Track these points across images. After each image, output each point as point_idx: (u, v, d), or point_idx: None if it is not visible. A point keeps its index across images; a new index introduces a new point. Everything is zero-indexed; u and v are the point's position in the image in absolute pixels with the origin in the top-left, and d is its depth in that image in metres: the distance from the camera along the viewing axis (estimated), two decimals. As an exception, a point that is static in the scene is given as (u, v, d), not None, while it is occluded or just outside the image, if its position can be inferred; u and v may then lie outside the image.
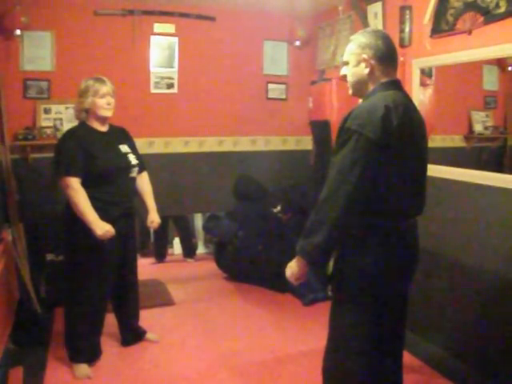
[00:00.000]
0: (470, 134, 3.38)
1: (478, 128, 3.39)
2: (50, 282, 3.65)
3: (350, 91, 1.97)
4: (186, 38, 4.23)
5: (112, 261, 2.85)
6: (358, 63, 1.87)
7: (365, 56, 1.85)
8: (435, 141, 2.99)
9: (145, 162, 3.08)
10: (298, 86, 4.56)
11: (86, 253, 2.74)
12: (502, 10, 2.44)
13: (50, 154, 2.92)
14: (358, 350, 1.85)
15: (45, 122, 3.82)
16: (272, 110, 4.56)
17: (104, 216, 2.66)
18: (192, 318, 3.65)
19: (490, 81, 3.31)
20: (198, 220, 5.52)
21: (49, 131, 3.79)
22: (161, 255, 5.23)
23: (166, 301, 3.94)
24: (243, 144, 4.54)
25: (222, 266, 4.53)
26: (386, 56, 1.86)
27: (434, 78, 3.16)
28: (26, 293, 3.44)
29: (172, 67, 4.23)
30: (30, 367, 2.81)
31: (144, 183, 3.09)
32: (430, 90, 3.15)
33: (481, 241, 2.67)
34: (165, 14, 4.12)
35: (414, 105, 1.92)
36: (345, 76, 1.97)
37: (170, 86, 4.23)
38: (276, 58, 4.58)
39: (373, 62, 1.84)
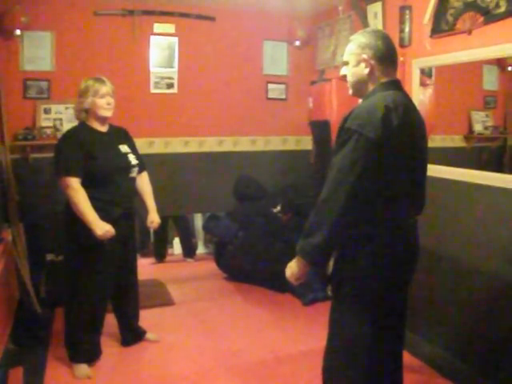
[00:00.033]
0: (469, 134, 3.39)
1: (477, 128, 3.39)
2: (50, 282, 3.66)
3: (350, 91, 1.97)
4: (185, 38, 4.23)
5: (112, 261, 2.85)
6: (358, 63, 1.87)
7: (365, 56, 1.85)
8: (435, 141, 2.99)
9: (145, 162, 3.08)
10: (298, 86, 4.56)
11: (86, 253, 2.74)
12: (502, 9, 2.44)
13: (50, 154, 2.92)
14: (357, 350, 1.85)
15: (45, 122, 3.82)
16: (272, 110, 4.56)
17: (104, 216, 2.66)
18: (192, 318, 3.65)
19: (490, 81, 3.31)
20: (198, 220, 5.52)
21: (49, 131, 3.79)
22: (161, 255, 5.23)
23: (165, 301, 3.94)
24: (243, 144, 4.54)
25: (222, 266, 4.53)
26: (386, 56, 1.86)
27: (433, 77, 3.16)
28: (26, 293, 3.45)
29: (172, 67, 4.23)
30: (30, 367, 2.81)
31: (144, 183, 3.09)
32: (429, 90, 3.15)
33: (481, 241, 2.66)
34: (165, 14, 4.13)
35: (413, 105, 1.92)
36: (345, 76, 1.97)
37: (170, 86, 4.24)
38: (276, 58, 4.58)
39: (373, 62, 1.84)
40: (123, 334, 3.16)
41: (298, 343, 3.21)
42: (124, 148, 2.91)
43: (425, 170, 1.95)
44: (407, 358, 2.64)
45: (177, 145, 4.31)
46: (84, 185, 2.66)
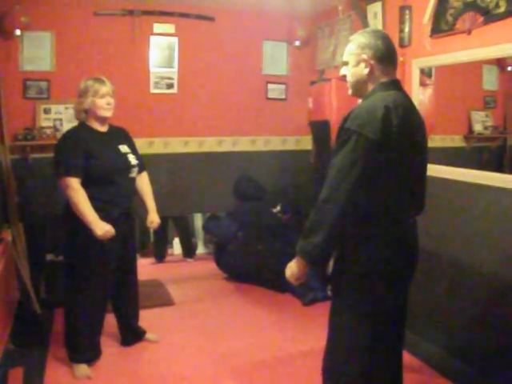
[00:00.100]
0: (469, 134, 3.39)
1: (477, 128, 3.39)
2: (50, 282, 3.65)
3: (350, 91, 1.97)
4: (185, 38, 4.23)
5: (112, 261, 2.85)
6: (358, 63, 1.87)
7: (364, 56, 1.85)
8: (435, 141, 2.99)
9: (144, 162, 3.08)
10: (298, 86, 4.56)
11: (86, 253, 2.74)
12: (502, 9, 2.44)
13: (50, 155, 2.92)
14: (357, 350, 1.85)
15: (44, 122, 3.82)
16: (272, 110, 4.56)
17: (104, 216, 2.66)
18: (192, 318, 3.65)
19: (490, 81, 3.31)
20: (198, 220, 5.52)
21: (48, 131, 3.79)
22: (160, 255, 5.23)
23: (165, 301, 3.94)
24: (243, 144, 4.54)
25: (222, 266, 4.53)
26: (386, 56, 1.86)
27: (433, 77, 3.16)
28: (26, 293, 3.44)
29: (172, 67, 4.23)
30: (30, 367, 2.81)
31: (144, 183, 3.09)
32: (429, 90, 3.15)
33: (481, 241, 2.67)
34: (164, 14, 4.13)
35: (413, 105, 1.92)
36: (344, 76, 1.97)
37: (170, 86, 4.24)
38: (275, 58, 4.58)
39: (372, 62, 1.84)
40: (123, 334, 3.16)
41: (298, 343, 3.21)
42: (124, 148, 2.91)
43: (425, 169, 1.95)
44: (407, 357, 2.65)
45: (177, 145, 4.32)
46: (84, 185, 2.66)
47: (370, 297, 1.82)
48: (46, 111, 3.83)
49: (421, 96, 3.09)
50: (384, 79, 1.86)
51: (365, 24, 3.53)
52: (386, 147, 1.70)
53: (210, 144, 4.43)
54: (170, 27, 4.17)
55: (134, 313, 3.17)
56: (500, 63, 3.16)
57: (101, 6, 3.95)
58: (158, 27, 4.14)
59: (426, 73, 3.13)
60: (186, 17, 4.20)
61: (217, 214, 4.65)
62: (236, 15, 4.33)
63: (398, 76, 1.96)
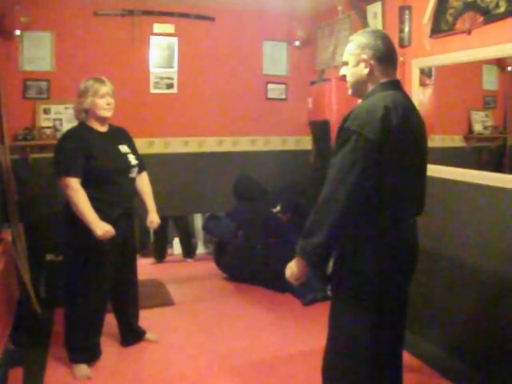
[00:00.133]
0: (469, 134, 3.39)
1: (477, 128, 3.39)
2: (50, 282, 3.65)
3: (350, 91, 1.97)
4: (185, 38, 4.23)
5: (112, 261, 2.85)
6: (358, 63, 1.87)
7: (364, 56, 1.85)
8: (435, 141, 2.99)
9: (144, 163, 3.08)
10: (298, 86, 4.56)
11: (86, 253, 2.74)
12: (502, 9, 2.44)
13: (50, 155, 2.92)
14: (357, 350, 1.85)
15: (44, 122, 3.82)
16: (271, 110, 4.56)
17: (104, 216, 2.66)
18: (192, 318, 3.65)
19: (490, 81, 3.31)
20: (198, 220, 5.52)
21: (48, 131, 3.79)
22: (160, 255, 5.23)
23: (165, 301, 3.94)
24: (243, 144, 4.54)
25: (222, 266, 4.53)
26: (386, 56, 1.86)
27: (433, 77, 3.16)
28: (26, 293, 3.45)
29: (171, 67, 4.23)
30: (30, 367, 2.81)
31: (144, 183, 3.09)
32: (429, 90, 3.15)
33: (481, 241, 2.67)
34: (164, 14, 4.13)
35: (413, 105, 1.92)
36: (344, 76, 1.97)
37: (170, 86, 4.24)
38: (275, 58, 4.58)
39: (372, 62, 1.84)
40: (123, 334, 3.16)
41: (298, 343, 3.21)
42: (124, 148, 2.91)
43: (425, 170, 1.95)
44: (407, 357, 2.65)
45: (177, 145, 4.31)
46: (84, 185, 2.66)
47: (369, 297, 1.82)
48: (46, 111, 3.83)
49: (421, 96, 3.09)
50: (384, 79, 1.86)
51: (365, 24, 3.53)
52: (386, 147, 1.70)
53: (210, 144, 4.43)
54: (169, 27, 4.17)
55: (133, 313, 3.18)
56: (500, 63, 3.16)
57: (101, 6, 3.95)
58: (157, 27, 4.13)
59: (425, 73, 3.13)
60: (186, 17, 4.19)
61: (217, 213, 4.65)
62: (236, 15, 4.33)
63: (398, 76, 1.96)
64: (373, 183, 1.71)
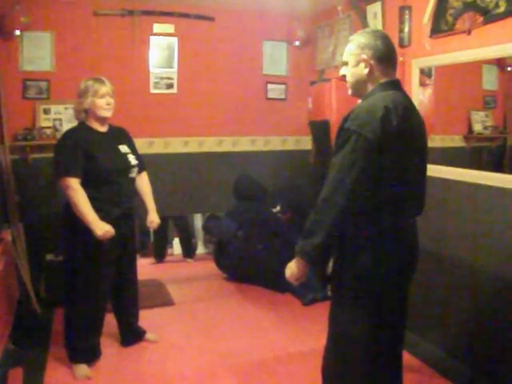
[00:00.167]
0: (469, 134, 3.39)
1: (477, 128, 3.39)
2: (50, 282, 3.65)
3: (350, 91, 1.97)
4: (185, 39, 4.23)
5: (111, 261, 2.85)
6: (358, 63, 1.87)
7: (364, 56, 1.85)
8: (435, 141, 2.99)
9: (144, 163, 3.09)
10: (298, 86, 4.56)
11: (86, 253, 2.74)
12: (502, 9, 2.44)
13: (50, 155, 2.92)
14: (357, 350, 1.85)
15: (44, 122, 3.82)
16: (271, 110, 4.56)
17: (104, 216, 2.66)
18: (192, 318, 3.65)
19: (490, 80, 3.31)
20: (198, 220, 5.52)
21: (48, 131, 3.79)
22: (160, 255, 5.23)
23: (165, 301, 3.94)
24: (243, 144, 4.54)
25: (222, 266, 4.53)
26: (386, 56, 1.86)
27: (433, 77, 3.16)
28: (26, 293, 3.45)
29: (171, 67, 4.23)
30: (30, 367, 2.81)
31: (143, 183, 3.09)
32: (429, 90, 3.15)
33: (481, 241, 2.66)
34: (164, 15, 4.12)
35: (413, 105, 1.92)
36: (344, 76, 1.97)
37: (170, 86, 4.23)
38: (275, 58, 4.58)
39: (372, 62, 1.85)
40: (123, 334, 3.16)
41: (298, 343, 3.21)
42: (124, 148, 2.91)
43: (425, 170, 1.95)
44: (407, 357, 2.65)
45: (177, 145, 4.31)
46: (84, 185, 2.66)
47: (369, 297, 1.83)
48: (46, 111, 3.83)
49: (421, 96, 3.09)
50: (384, 79, 1.86)
51: (364, 24, 3.53)
52: (386, 147, 1.70)
53: (210, 144, 4.43)
54: (169, 27, 4.17)
55: (133, 313, 3.18)
56: (500, 63, 3.16)
57: (100, 6, 3.95)
58: (157, 27, 4.13)
59: (425, 73, 3.13)
60: (186, 17, 4.19)
61: (217, 213, 4.65)
62: (236, 15, 4.32)
63: (398, 76, 1.96)
64: (372, 183, 1.71)
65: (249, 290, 4.21)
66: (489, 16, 2.51)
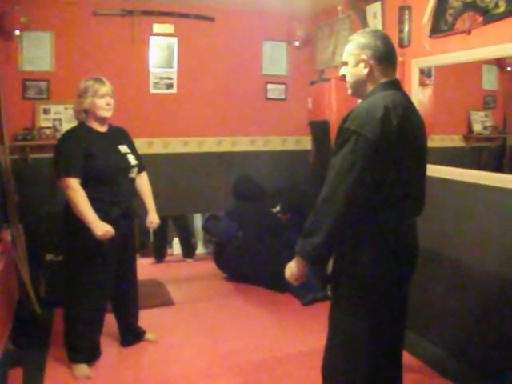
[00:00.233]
0: (469, 134, 3.39)
1: (477, 128, 3.39)
2: (50, 282, 3.66)
3: (349, 91, 1.97)
4: (185, 39, 4.23)
5: (111, 261, 2.85)
6: (357, 63, 1.87)
7: (364, 56, 1.85)
8: (434, 141, 2.99)
9: (144, 163, 3.08)
10: (298, 86, 4.56)
11: (86, 253, 2.74)
12: (501, 9, 2.44)
13: (50, 155, 2.92)
14: (357, 350, 1.85)
15: (44, 122, 3.82)
16: (271, 110, 4.56)
17: (103, 216, 2.66)
18: (192, 318, 3.65)
19: (489, 80, 3.31)
20: (198, 220, 5.52)
21: (48, 132, 3.79)
22: (160, 255, 5.23)
23: (165, 301, 3.94)
24: (242, 144, 4.54)
25: (222, 266, 4.53)
26: (385, 56, 1.86)
27: (433, 77, 3.16)
28: (26, 293, 3.44)
29: (171, 67, 4.23)
30: (30, 367, 2.81)
31: (143, 183, 3.09)
32: (429, 90, 3.15)
33: (481, 241, 2.67)
34: (164, 15, 4.12)
35: (413, 105, 1.92)
36: (344, 76, 1.97)
37: (170, 86, 4.23)
38: (275, 58, 4.58)
39: (372, 62, 1.84)
40: (123, 334, 3.16)
41: (298, 343, 3.21)
42: (123, 148, 2.91)
43: (424, 170, 1.95)
44: (407, 357, 2.65)
45: (176, 145, 4.31)
46: (83, 185, 2.66)
47: (369, 296, 1.83)
48: (46, 111, 3.83)
49: (420, 96, 3.09)
50: (383, 79, 1.86)
51: (364, 24, 3.53)
52: (386, 147, 1.70)
53: (210, 144, 4.43)
54: (169, 27, 4.17)
55: (133, 313, 3.18)
56: (500, 63, 3.16)
57: (100, 6, 3.95)
58: (157, 27, 4.13)
59: (425, 73, 3.13)
60: (186, 17, 4.19)
61: (217, 214, 4.64)
62: (236, 15, 4.32)
63: (398, 76, 1.96)
64: (372, 183, 1.71)
65: (249, 290, 4.21)
66: (488, 16, 2.52)
